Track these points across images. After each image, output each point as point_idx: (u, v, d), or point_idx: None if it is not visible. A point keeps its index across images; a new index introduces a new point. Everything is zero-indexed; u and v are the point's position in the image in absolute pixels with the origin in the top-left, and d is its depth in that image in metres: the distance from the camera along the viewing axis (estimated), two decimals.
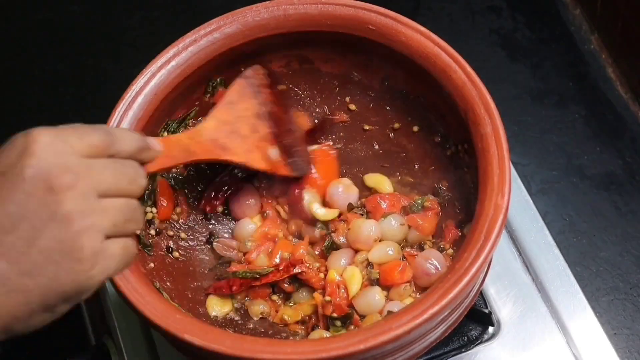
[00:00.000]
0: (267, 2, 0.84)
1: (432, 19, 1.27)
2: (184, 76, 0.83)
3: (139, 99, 0.80)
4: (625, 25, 1.15)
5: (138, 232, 0.64)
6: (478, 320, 0.89)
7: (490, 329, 0.89)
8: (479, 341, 0.88)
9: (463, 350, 0.88)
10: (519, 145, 1.13)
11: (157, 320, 0.68)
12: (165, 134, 0.85)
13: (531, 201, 0.97)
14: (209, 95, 0.87)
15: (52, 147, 0.56)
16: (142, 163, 0.64)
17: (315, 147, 0.89)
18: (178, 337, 0.67)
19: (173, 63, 0.82)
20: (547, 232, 0.95)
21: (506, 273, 0.92)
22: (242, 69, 0.88)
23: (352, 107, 0.91)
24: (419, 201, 0.85)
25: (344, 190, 0.87)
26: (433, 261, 0.80)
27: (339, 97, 0.91)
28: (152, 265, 0.79)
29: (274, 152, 0.81)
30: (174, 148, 0.71)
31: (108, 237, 0.58)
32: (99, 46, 1.29)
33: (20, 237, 0.54)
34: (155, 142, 0.68)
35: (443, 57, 0.79)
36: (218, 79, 0.87)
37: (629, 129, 1.14)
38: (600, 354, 0.88)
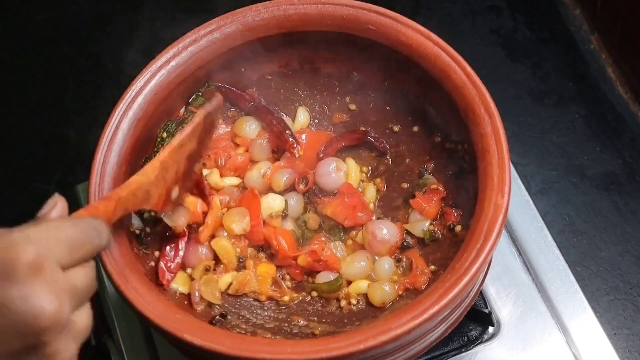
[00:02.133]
0: (267, 2, 0.84)
1: (432, 19, 1.27)
2: (184, 76, 0.83)
3: (139, 99, 0.80)
4: (625, 25, 1.15)
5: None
6: (478, 320, 0.89)
7: (490, 329, 0.89)
8: (479, 341, 0.88)
9: (463, 350, 0.88)
10: (519, 145, 1.13)
11: (157, 320, 0.68)
12: (165, 134, 0.85)
13: (531, 201, 0.97)
14: (191, 108, 0.87)
15: (41, 273, 0.51)
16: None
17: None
18: (178, 337, 0.67)
19: (173, 63, 0.82)
20: (547, 232, 0.95)
21: (506, 273, 0.92)
22: (242, 69, 0.88)
23: (352, 107, 0.91)
24: (423, 182, 0.85)
25: (335, 170, 0.87)
26: (384, 229, 0.82)
27: (339, 97, 0.91)
28: (152, 264, 0.79)
29: (175, 192, 0.76)
30: (117, 211, 0.67)
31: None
32: (99, 46, 1.29)
33: None
34: (106, 230, 0.62)
35: (443, 57, 0.79)
36: (201, 92, 0.87)
37: (629, 129, 1.14)
38: (600, 354, 0.88)
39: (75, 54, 1.28)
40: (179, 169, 0.75)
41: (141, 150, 0.82)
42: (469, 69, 0.78)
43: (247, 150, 0.89)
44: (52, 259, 0.52)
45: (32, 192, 1.16)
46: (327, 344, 0.66)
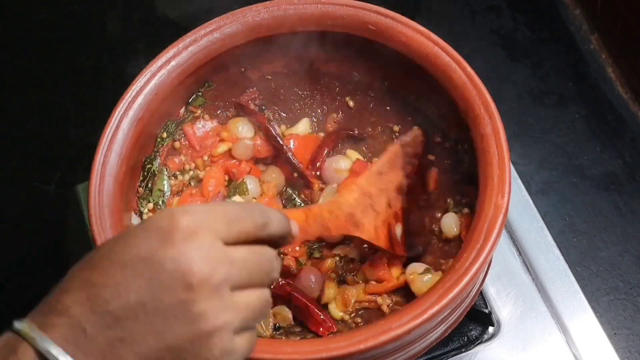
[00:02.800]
0: (267, 2, 0.84)
1: (432, 19, 1.27)
2: (184, 76, 0.83)
3: (139, 99, 0.80)
4: (625, 25, 1.15)
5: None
6: (478, 320, 0.89)
7: (490, 329, 0.89)
8: (479, 341, 0.88)
9: (463, 350, 0.88)
10: (519, 145, 1.13)
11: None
12: (165, 134, 0.85)
13: (531, 201, 0.97)
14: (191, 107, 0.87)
15: (196, 238, 0.53)
16: (278, 246, 0.61)
17: None
18: None
19: (173, 63, 0.82)
20: (547, 232, 0.95)
21: (506, 273, 0.92)
22: (242, 70, 0.88)
23: (351, 103, 0.91)
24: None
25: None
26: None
27: (339, 97, 0.91)
28: None
29: (399, 229, 0.76)
30: (312, 223, 0.67)
31: (236, 332, 0.55)
32: (99, 46, 1.29)
33: (152, 330, 0.52)
34: (296, 226, 0.63)
35: (443, 57, 0.79)
36: (201, 92, 0.87)
37: (629, 129, 1.14)
38: (600, 354, 0.88)
39: (75, 54, 1.28)
40: (392, 203, 0.75)
41: (141, 150, 0.82)
42: (469, 69, 0.78)
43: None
44: (208, 227, 0.54)
45: (32, 192, 1.16)
46: (327, 344, 0.66)
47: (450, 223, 0.81)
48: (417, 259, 0.80)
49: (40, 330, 0.52)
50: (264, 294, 0.58)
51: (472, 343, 0.88)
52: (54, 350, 0.51)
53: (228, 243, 0.55)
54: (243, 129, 0.89)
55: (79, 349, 0.52)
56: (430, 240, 0.80)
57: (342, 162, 0.87)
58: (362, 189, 0.73)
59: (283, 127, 0.92)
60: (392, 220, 0.75)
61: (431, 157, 0.86)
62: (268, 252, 0.58)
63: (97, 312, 0.52)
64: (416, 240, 0.78)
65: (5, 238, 1.14)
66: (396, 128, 0.89)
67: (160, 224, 0.54)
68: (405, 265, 0.80)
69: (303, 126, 0.91)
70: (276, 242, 0.60)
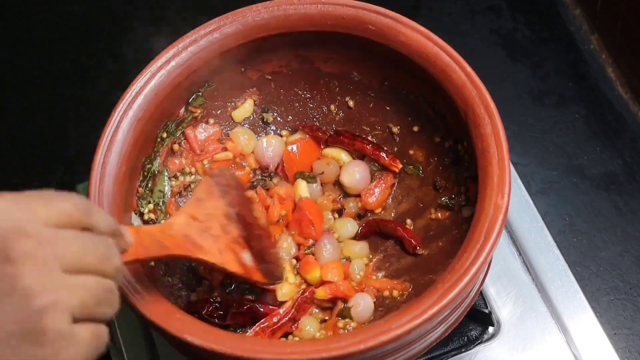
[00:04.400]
0: (267, 2, 0.84)
1: (432, 19, 1.27)
2: (184, 76, 0.83)
3: (139, 99, 0.80)
4: (625, 25, 1.15)
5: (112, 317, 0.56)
6: (478, 320, 0.89)
7: (490, 329, 0.89)
8: (479, 341, 0.88)
9: (463, 350, 0.88)
10: (519, 145, 1.13)
11: (157, 320, 0.68)
12: (165, 134, 0.85)
13: (531, 201, 0.97)
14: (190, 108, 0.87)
15: (10, 213, 0.50)
16: None
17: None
18: (178, 337, 0.67)
19: (173, 63, 0.82)
20: (547, 232, 0.95)
21: (506, 273, 0.92)
22: (242, 70, 0.88)
23: (351, 103, 0.91)
24: None
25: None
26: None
27: (339, 97, 0.91)
28: (152, 264, 0.79)
29: (247, 256, 0.76)
30: (146, 239, 0.66)
31: (76, 320, 0.51)
32: (99, 46, 1.29)
33: None
34: (127, 232, 0.61)
35: (443, 57, 0.79)
36: (201, 92, 0.87)
37: (629, 129, 1.14)
38: (600, 354, 0.88)
39: (75, 54, 1.28)
40: (226, 229, 0.75)
41: (141, 150, 0.82)
42: (469, 69, 0.78)
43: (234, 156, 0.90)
44: (23, 204, 0.51)
45: None
46: (327, 344, 0.66)
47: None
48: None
49: None
50: (106, 281, 0.53)
51: (472, 343, 0.88)
52: None
53: (50, 224, 0.51)
54: (244, 138, 0.89)
55: None
56: (282, 270, 0.80)
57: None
58: (187, 213, 0.73)
59: (285, 132, 0.92)
60: (235, 246, 0.75)
61: (432, 159, 0.86)
62: (103, 237, 0.54)
63: None
64: (269, 267, 0.77)
65: None
66: (396, 129, 0.89)
67: None
68: None
69: (301, 134, 0.91)
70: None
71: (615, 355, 0.88)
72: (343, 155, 0.90)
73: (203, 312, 0.79)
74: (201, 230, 0.73)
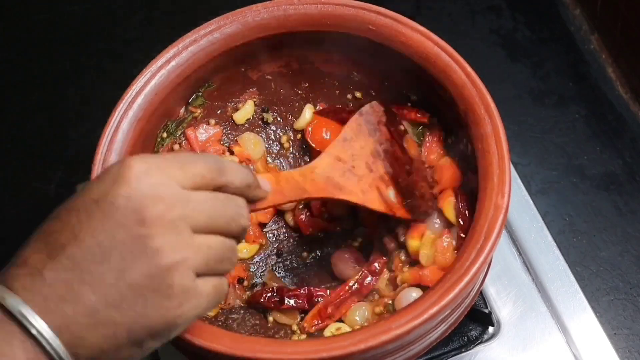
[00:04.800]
0: (267, 2, 0.84)
1: (432, 19, 1.27)
2: (184, 76, 0.83)
3: (139, 99, 0.80)
4: (625, 25, 1.15)
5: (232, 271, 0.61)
6: (478, 320, 0.89)
7: (490, 329, 0.89)
8: (479, 341, 0.88)
9: (463, 350, 0.88)
10: (519, 145, 1.13)
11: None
12: (165, 134, 0.85)
13: (531, 201, 0.97)
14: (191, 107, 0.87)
15: (147, 176, 0.54)
16: (250, 201, 0.62)
17: None
18: (178, 337, 0.67)
19: (173, 63, 0.82)
20: (547, 232, 0.95)
21: (506, 273, 0.92)
22: (242, 70, 0.88)
23: (358, 94, 0.91)
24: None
25: None
26: None
27: (339, 97, 0.91)
28: None
29: (391, 193, 0.77)
30: (285, 185, 0.68)
31: (199, 274, 0.56)
32: (99, 46, 1.29)
33: (110, 268, 0.53)
34: (265, 181, 0.65)
35: (443, 57, 0.79)
36: (201, 92, 0.87)
37: (629, 129, 1.14)
38: (600, 354, 0.88)
39: (75, 54, 1.28)
40: (373, 167, 0.76)
41: (141, 150, 0.82)
42: (469, 69, 0.78)
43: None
44: (160, 168, 0.55)
45: (32, 192, 1.15)
46: (327, 344, 0.66)
47: None
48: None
49: None
50: (230, 241, 0.58)
51: (472, 343, 0.88)
52: (10, 298, 0.52)
53: (186, 187, 0.55)
54: (252, 145, 0.89)
55: (38, 295, 0.52)
56: (433, 205, 0.79)
57: None
58: (331, 154, 0.74)
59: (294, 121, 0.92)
60: (380, 183, 0.76)
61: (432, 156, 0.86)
62: (234, 199, 0.59)
63: (54, 257, 0.53)
64: (417, 202, 0.78)
65: (5, 238, 1.14)
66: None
67: (112, 168, 0.55)
68: None
69: (309, 113, 0.91)
70: (246, 194, 0.60)
71: (615, 355, 0.88)
72: None
73: (261, 300, 0.80)
74: (345, 170, 0.74)
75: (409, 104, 0.86)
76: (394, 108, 0.86)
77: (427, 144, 0.85)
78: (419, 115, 0.85)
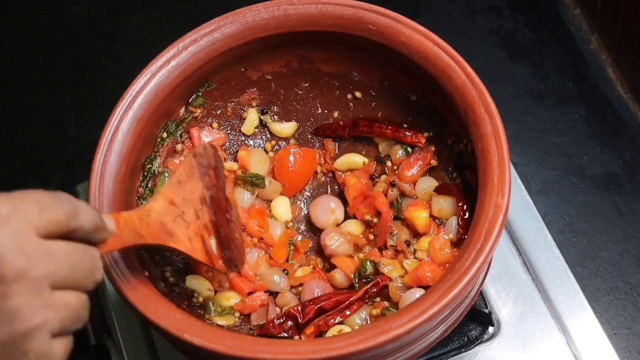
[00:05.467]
0: (267, 2, 0.84)
1: (432, 19, 1.27)
2: (184, 76, 0.83)
3: (139, 99, 0.80)
4: (625, 25, 1.15)
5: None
6: (478, 320, 0.89)
7: (490, 329, 0.89)
8: (479, 341, 0.88)
9: (463, 350, 0.88)
10: (519, 145, 1.13)
11: (157, 320, 0.68)
12: (165, 134, 0.85)
13: (531, 201, 0.97)
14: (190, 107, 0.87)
15: (8, 225, 0.49)
16: (93, 244, 0.58)
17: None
18: (178, 337, 0.67)
19: (173, 63, 0.82)
20: (547, 232, 0.95)
21: (506, 273, 0.92)
22: (242, 70, 0.88)
23: (358, 94, 0.91)
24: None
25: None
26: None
27: (339, 97, 0.91)
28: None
29: (213, 243, 0.76)
30: (124, 229, 0.66)
31: (54, 335, 0.51)
32: (99, 46, 1.29)
33: None
34: (110, 222, 0.62)
35: (443, 57, 0.79)
36: (201, 92, 0.87)
37: (629, 129, 1.14)
38: (600, 354, 0.88)
39: (75, 54, 1.28)
40: (199, 214, 0.75)
41: (141, 150, 0.82)
42: (469, 69, 0.78)
43: None
44: (20, 214, 0.50)
45: None
46: (327, 344, 0.66)
47: None
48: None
49: None
50: (83, 296, 0.54)
51: (472, 343, 0.88)
52: None
53: (42, 235, 0.51)
54: (257, 161, 0.89)
55: None
56: (244, 256, 0.80)
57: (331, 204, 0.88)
58: (166, 197, 0.72)
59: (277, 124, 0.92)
60: (204, 232, 0.75)
61: (434, 162, 0.86)
62: (90, 250, 0.55)
63: None
64: (232, 254, 0.77)
65: None
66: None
67: None
68: None
69: (253, 115, 0.91)
70: (92, 237, 0.56)
71: (615, 355, 0.88)
72: (357, 159, 0.90)
73: (276, 333, 0.79)
74: (176, 216, 0.73)
75: (406, 125, 0.87)
76: (390, 129, 0.86)
77: (410, 161, 0.86)
78: (415, 139, 0.86)
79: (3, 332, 0.49)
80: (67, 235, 0.53)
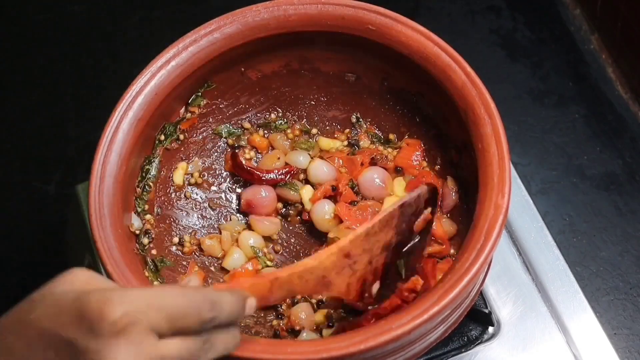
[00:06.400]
0: (267, 2, 0.84)
1: (432, 19, 1.27)
2: (184, 76, 0.83)
3: (139, 99, 0.80)
4: (625, 25, 1.15)
5: None
6: (478, 320, 0.89)
7: (490, 329, 0.89)
8: (479, 341, 0.88)
9: (463, 350, 0.88)
10: (519, 145, 1.13)
11: None
12: (163, 137, 0.85)
13: (531, 201, 0.97)
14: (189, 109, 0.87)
15: (128, 335, 0.47)
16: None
17: None
18: None
19: (173, 63, 0.82)
20: (547, 232, 0.95)
21: (506, 273, 0.92)
22: (242, 70, 0.88)
23: (352, 106, 0.91)
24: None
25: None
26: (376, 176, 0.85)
27: (339, 97, 0.91)
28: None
29: (375, 286, 0.71)
30: (277, 290, 0.61)
31: None
32: (99, 46, 1.29)
33: None
34: (252, 305, 0.58)
35: (443, 57, 0.79)
36: (201, 92, 0.87)
37: (629, 129, 1.14)
38: (600, 354, 0.88)
39: (75, 54, 1.28)
40: (374, 260, 0.69)
41: (141, 150, 0.82)
42: (469, 69, 0.78)
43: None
44: (143, 323, 0.48)
45: (32, 192, 1.16)
46: (327, 344, 0.66)
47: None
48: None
49: None
50: None
51: (472, 343, 0.88)
52: None
53: (163, 336, 0.50)
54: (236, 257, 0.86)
55: None
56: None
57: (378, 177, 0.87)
58: (343, 251, 0.66)
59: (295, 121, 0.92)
60: (369, 276, 0.70)
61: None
62: (207, 335, 0.53)
63: None
64: (386, 291, 0.73)
65: (5, 238, 1.14)
66: (391, 137, 0.90)
67: (91, 306, 0.48)
68: None
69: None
70: (228, 324, 0.55)
71: (615, 355, 0.88)
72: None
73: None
74: (344, 266, 0.67)
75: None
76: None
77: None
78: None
79: None
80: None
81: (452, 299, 0.67)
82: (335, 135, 0.91)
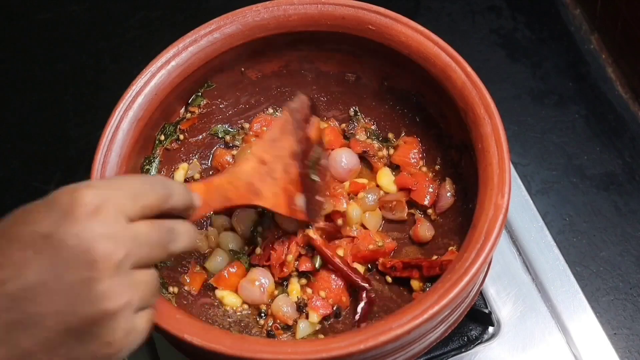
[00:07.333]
0: (267, 2, 0.84)
1: (432, 19, 1.27)
2: (184, 76, 0.83)
3: (139, 99, 0.80)
4: (625, 25, 1.15)
5: None
6: (478, 320, 0.89)
7: (490, 329, 0.89)
8: (479, 341, 0.88)
9: (463, 350, 0.88)
10: (519, 145, 1.13)
11: (157, 320, 0.68)
12: (163, 137, 0.85)
13: (531, 201, 0.97)
14: (189, 110, 0.87)
15: (100, 214, 0.52)
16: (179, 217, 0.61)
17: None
18: (178, 337, 0.67)
19: (173, 63, 0.82)
20: (547, 232, 0.95)
21: (506, 273, 0.92)
22: (242, 70, 0.88)
23: (352, 105, 0.91)
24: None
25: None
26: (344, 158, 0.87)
27: (339, 97, 0.91)
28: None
29: (300, 198, 0.78)
30: (214, 195, 0.68)
31: (136, 311, 0.55)
32: (99, 46, 1.29)
33: (52, 311, 0.51)
34: (198, 197, 0.64)
35: (443, 57, 0.79)
36: (201, 92, 0.87)
37: (629, 129, 1.14)
38: (600, 354, 0.88)
39: (75, 54, 1.28)
40: (288, 170, 0.76)
41: (141, 150, 0.82)
42: (469, 69, 0.78)
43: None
44: (113, 204, 0.53)
45: (32, 192, 1.15)
46: (327, 344, 0.66)
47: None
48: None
49: None
50: (155, 271, 0.57)
51: (472, 343, 0.88)
52: None
53: (132, 218, 0.54)
54: (218, 260, 0.86)
55: None
56: (322, 203, 0.81)
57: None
58: (257, 157, 0.74)
59: None
60: (289, 187, 0.76)
61: (437, 166, 0.86)
62: (170, 224, 0.58)
63: None
64: (316, 206, 0.80)
65: None
66: (390, 135, 0.89)
67: (62, 199, 0.53)
68: None
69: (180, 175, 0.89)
70: (181, 215, 0.60)
71: (615, 355, 0.88)
72: None
73: None
74: (265, 174, 0.74)
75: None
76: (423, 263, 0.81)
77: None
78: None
79: (93, 312, 0.52)
80: (161, 213, 0.57)
81: (452, 298, 0.67)
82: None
